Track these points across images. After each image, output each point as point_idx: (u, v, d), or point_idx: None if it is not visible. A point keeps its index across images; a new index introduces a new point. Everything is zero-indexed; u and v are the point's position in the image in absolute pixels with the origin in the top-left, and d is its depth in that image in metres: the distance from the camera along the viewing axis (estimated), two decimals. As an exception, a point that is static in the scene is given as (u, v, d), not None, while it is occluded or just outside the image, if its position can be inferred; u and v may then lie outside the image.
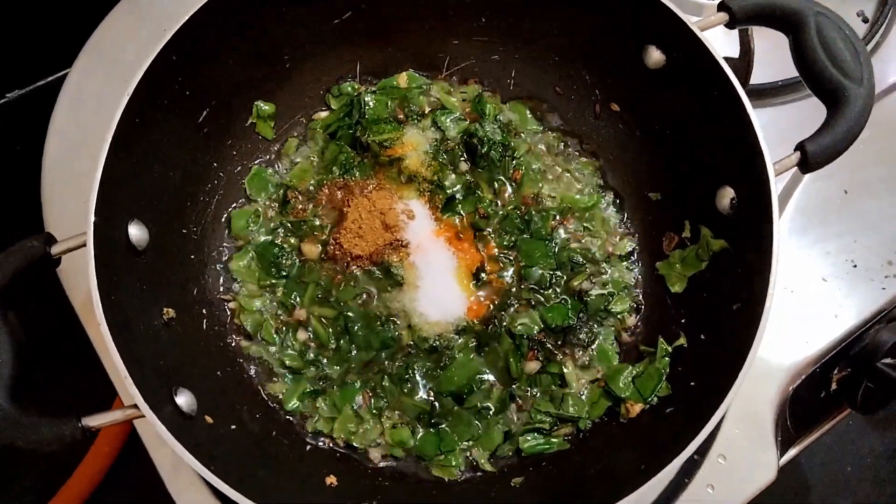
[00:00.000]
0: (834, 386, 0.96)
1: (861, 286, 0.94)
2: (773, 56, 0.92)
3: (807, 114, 0.81)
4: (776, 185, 0.73)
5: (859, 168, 0.99)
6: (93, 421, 0.65)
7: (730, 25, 0.80)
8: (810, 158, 0.73)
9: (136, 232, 0.77)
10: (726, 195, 0.80)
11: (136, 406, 0.65)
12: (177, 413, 0.71)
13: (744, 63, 0.98)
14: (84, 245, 0.70)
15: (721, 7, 0.79)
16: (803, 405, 0.92)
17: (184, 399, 0.73)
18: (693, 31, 0.79)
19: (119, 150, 0.73)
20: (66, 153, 1.00)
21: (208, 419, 0.75)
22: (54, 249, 0.71)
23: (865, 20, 1.10)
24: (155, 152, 0.81)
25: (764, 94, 1.03)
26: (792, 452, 0.95)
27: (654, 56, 0.85)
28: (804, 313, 0.92)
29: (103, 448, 1.20)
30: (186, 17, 0.79)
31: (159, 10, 1.08)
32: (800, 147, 0.74)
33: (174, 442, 0.64)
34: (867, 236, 0.96)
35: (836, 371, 0.95)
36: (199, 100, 0.87)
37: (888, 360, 0.90)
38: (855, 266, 0.95)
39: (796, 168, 0.75)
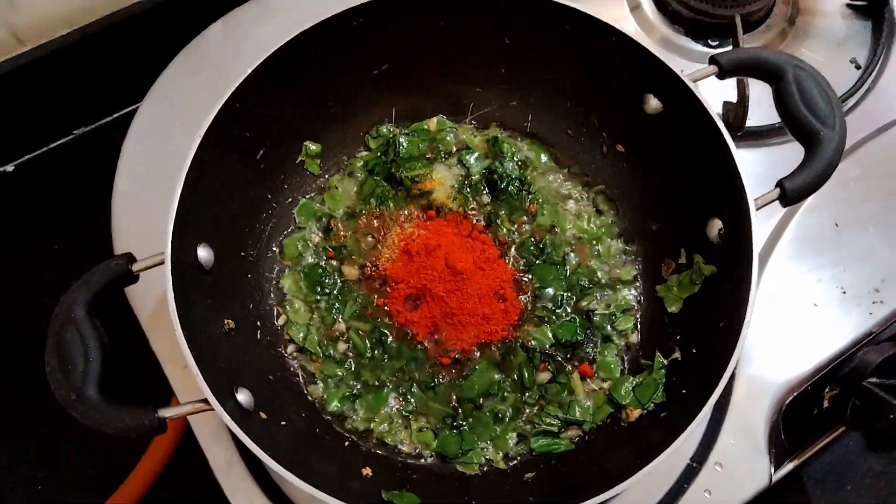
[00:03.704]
0: (826, 404, 0.98)
1: (850, 311, 0.97)
2: (768, 101, 0.96)
3: (799, 152, 0.84)
4: (756, 218, 0.78)
5: (849, 203, 1.03)
6: (167, 412, 0.71)
7: (720, 76, 0.84)
8: (788, 194, 0.79)
9: (204, 254, 0.83)
10: (715, 226, 0.86)
11: (204, 401, 0.71)
12: (238, 408, 0.77)
13: (741, 108, 1.03)
14: (160, 263, 0.76)
15: (711, 60, 0.84)
16: (797, 420, 0.96)
17: (243, 397, 0.78)
18: (685, 82, 0.83)
19: (191, 184, 0.79)
20: (134, 185, 1.06)
21: (263, 415, 0.80)
22: (135, 267, 0.76)
23: (858, 67, 1.14)
24: (220, 186, 0.87)
25: (760, 135, 1.07)
26: (789, 467, 0.96)
27: (653, 104, 0.90)
28: (797, 335, 0.96)
29: (156, 453, 1.27)
30: (249, 71, 0.85)
31: (212, 62, 1.14)
32: (779, 184, 0.79)
33: (238, 429, 0.70)
34: (856, 266, 0.99)
35: (827, 390, 0.98)
36: (257, 141, 0.93)
37: (874, 380, 0.94)
38: (844, 293, 0.98)
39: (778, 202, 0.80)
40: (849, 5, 1.20)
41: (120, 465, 1.14)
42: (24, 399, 1.18)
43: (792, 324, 0.97)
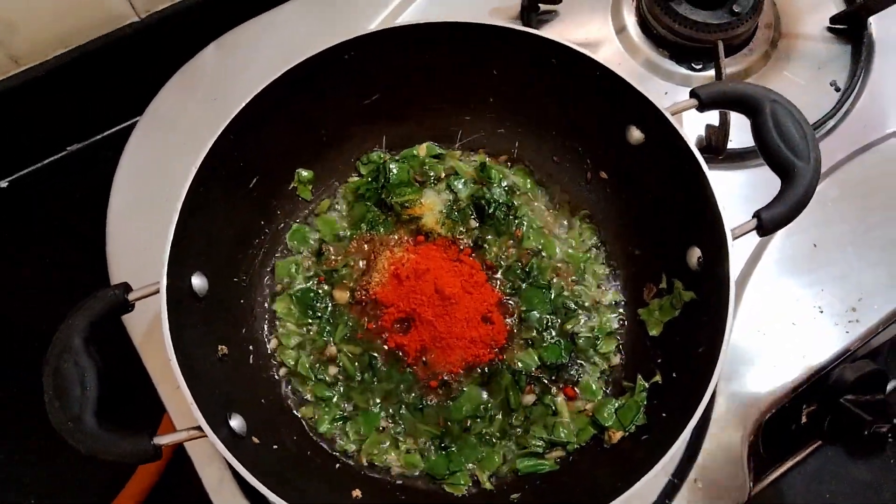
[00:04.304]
0: (804, 419, 1.02)
1: (827, 330, 0.98)
2: (749, 124, 0.99)
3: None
4: (734, 246, 0.79)
5: (827, 224, 1.05)
6: (162, 440, 0.71)
7: (699, 109, 0.86)
8: (765, 224, 0.80)
9: (198, 282, 0.84)
10: (694, 254, 0.87)
11: (198, 428, 0.72)
12: (231, 434, 0.77)
13: (722, 131, 1.05)
14: (155, 293, 0.76)
15: (692, 94, 0.86)
16: (776, 436, 0.98)
17: (236, 422, 0.79)
18: (664, 114, 0.85)
19: (185, 216, 0.80)
20: (128, 209, 1.06)
21: (255, 440, 0.81)
22: (131, 296, 0.77)
23: (837, 89, 1.15)
24: (214, 215, 0.88)
25: (742, 157, 1.08)
26: (769, 479, 1.00)
27: (635, 134, 0.92)
28: (775, 354, 0.97)
29: (148, 469, 1.26)
30: (243, 104, 0.86)
31: (206, 83, 1.15)
32: (756, 215, 0.80)
33: (231, 457, 0.70)
34: (833, 286, 1.01)
35: (805, 406, 1.01)
36: (251, 169, 0.94)
37: (850, 397, 0.97)
38: (822, 312, 1.00)
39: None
40: (829, 29, 1.22)
41: (120, 466, 1.14)
42: (24, 399, 1.16)
43: (771, 342, 0.98)
